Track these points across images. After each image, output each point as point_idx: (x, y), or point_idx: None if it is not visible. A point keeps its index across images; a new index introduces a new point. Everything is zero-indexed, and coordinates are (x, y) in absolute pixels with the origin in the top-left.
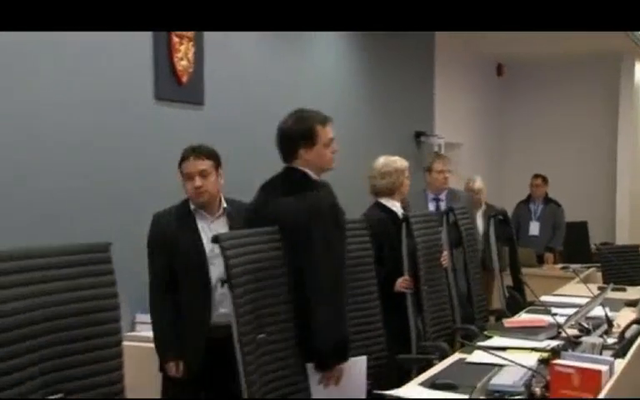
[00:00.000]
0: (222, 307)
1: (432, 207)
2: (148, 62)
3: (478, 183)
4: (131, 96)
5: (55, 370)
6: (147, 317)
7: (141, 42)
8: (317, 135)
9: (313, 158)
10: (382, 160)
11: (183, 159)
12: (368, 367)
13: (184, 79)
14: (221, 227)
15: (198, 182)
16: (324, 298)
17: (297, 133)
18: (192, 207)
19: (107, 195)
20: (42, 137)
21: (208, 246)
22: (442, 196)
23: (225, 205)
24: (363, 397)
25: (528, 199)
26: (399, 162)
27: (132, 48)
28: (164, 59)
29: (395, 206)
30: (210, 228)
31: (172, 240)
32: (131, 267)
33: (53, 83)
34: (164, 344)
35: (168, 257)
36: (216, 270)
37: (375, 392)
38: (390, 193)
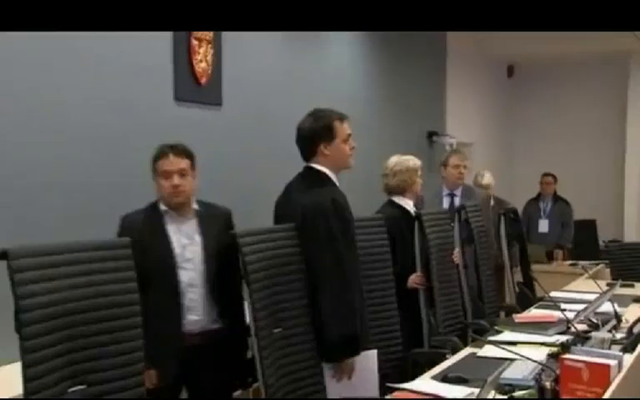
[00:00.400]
0: (192, 313)
1: (446, 202)
2: (168, 64)
3: (487, 179)
4: (152, 97)
5: (79, 362)
6: None
7: (161, 45)
8: (336, 130)
9: (332, 154)
10: (394, 159)
11: (160, 157)
12: (385, 361)
13: (203, 81)
14: (192, 229)
15: (177, 180)
16: (330, 291)
17: (316, 130)
18: (162, 208)
19: (130, 192)
20: (67, 136)
21: (178, 249)
22: (457, 191)
23: (196, 207)
24: (376, 390)
25: (538, 197)
26: (411, 161)
27: (152, 51)
28: (184, 62)
29: (407, 204)
30: (180, 230)
31: (141, 243)
32: None
33: (79, 85)
34: None
35: (136, 261)
36: (186, 274)
37: (388, 385)
38: (402, 191)
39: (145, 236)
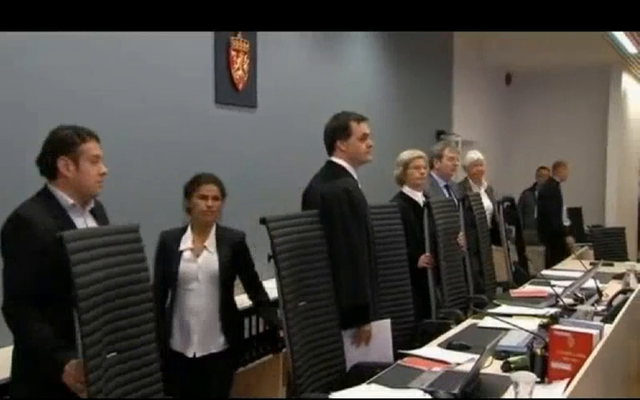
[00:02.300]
0: None
1: (445, 193)
2: (210, 72)
3: (479, 155)
4: (196, 100)
5: (112, 332)
6: None
7: (204, 56)
8: (352, 129)
9: (348, 150)
10: (403, 153)
11: (88, 139)
12: (398, 330)
13: (240, 86)
14: (92, 223)
15: (105, 168)
16: (342, 268)
17: (335, 128)
18: (69, 201)
19: (175, 186)
20: (124, 136)
21: None
22: (449, 182)
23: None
24: (390, 355)
25: (534, 187)
26: (406, 154)
27: (196, 62)
28: (223, 70)
29: (416, 196)
30: (87, 225)
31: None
32: None
33: (133, 92)
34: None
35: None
36: None
37: (400, 351)
38: (401, 183)
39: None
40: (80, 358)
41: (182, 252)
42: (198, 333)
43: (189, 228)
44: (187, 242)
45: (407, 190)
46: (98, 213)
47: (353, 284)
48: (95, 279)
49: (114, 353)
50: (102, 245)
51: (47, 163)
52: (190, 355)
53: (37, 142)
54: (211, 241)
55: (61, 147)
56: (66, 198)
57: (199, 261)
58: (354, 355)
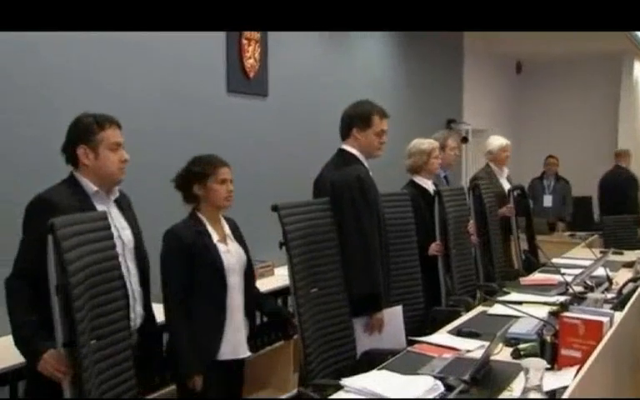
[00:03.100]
0: (138, 305)
1: (444, 183)
2: (222, 61)
3: (506, 140)
4: (208, 89)
5: (93, 319)
6: None
7: (216, 45)
8: (372, 121)
9: (363, 140)
10: (412, 142)
11: (109, 126)
12: (409, 317)
13: (251, 75)
14: (116, 212)
15: (127, 154)
16: (355, 255)
17: (355, 115)
18: (93, 188)
19: None
20: (137, 125)
21: (124, 233)
22: (448, 172)
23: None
24: (403, 340)
25: (542, 176)
26: (426, 144)
27: (209, 51)
28: (235, 59)
29: (426, 184)
30: (111, 214)
31: None
32: None
33: (147, 81)
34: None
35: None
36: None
37: (410, 338)
38: (417, 170)
39: None
40: (59, 348)
41: (215, 244)
42: (244, 331)
43: (203, 218)
44: (213, 233)
45: (418, 178)
46: (124, 204)
47: (365, 272)
48: (83, 265)
49: (94, 341)
50: (87, 231)
51: (69, 152)
52: (243, 356)
53: (58, 134)
54: (228, 230)
55: (80, 135)
56: (90, 185)
57: (233, 253)
58: (367, 343)
